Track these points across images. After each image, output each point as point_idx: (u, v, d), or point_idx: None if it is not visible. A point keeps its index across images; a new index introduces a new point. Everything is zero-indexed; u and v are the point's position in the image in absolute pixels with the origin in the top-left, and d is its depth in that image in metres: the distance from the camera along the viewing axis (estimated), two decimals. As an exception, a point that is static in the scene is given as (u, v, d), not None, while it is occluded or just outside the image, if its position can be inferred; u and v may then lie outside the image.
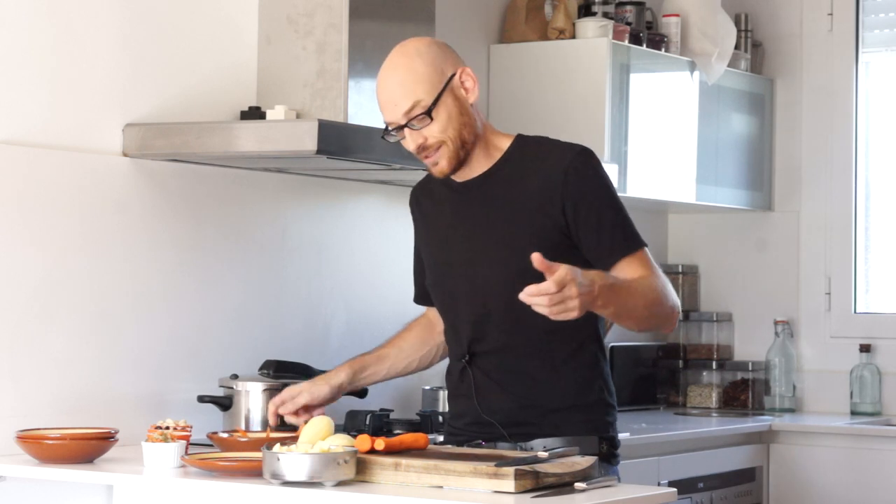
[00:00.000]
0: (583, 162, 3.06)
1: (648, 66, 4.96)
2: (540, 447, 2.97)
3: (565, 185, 3.02)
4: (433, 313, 3.30)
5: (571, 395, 3.08)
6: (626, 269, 3.02)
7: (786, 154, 5.55)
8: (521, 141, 3.14)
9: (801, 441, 4.95)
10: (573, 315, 2.77)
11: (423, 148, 3.03)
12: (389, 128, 3.05)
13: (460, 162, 3.06)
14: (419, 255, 3.30)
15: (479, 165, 3.10)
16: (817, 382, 5.42)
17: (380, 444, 2.90)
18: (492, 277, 3.07)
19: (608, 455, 3.11)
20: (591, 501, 2.72)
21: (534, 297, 2.74)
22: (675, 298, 3.07)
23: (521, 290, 2.84)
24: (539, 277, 2.79)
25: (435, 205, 3.21)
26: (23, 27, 3.46)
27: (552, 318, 2.76)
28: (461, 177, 3.11)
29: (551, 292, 2.73)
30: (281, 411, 3.21)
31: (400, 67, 3.03)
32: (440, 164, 3.05)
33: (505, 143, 3.13)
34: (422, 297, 3.33)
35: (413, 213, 3.29)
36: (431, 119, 3.00)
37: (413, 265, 3.34)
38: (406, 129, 3.02)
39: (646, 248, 3.07)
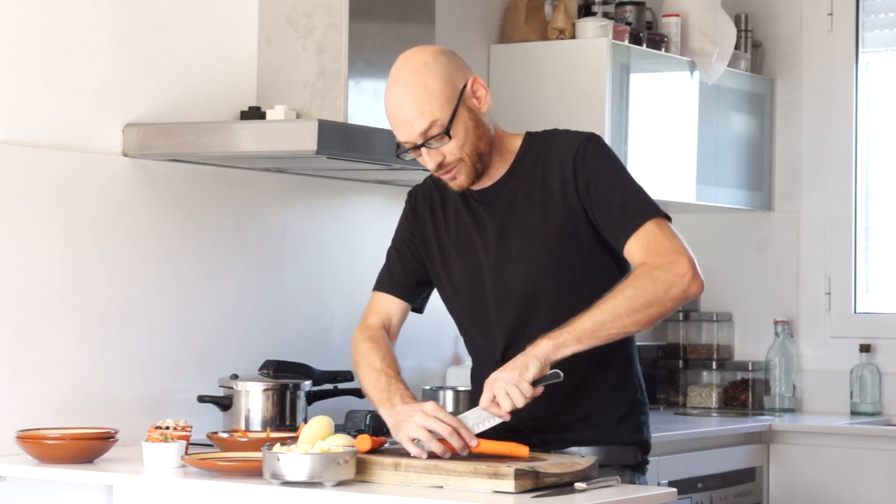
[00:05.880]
0: (590, 145, 2.99)
1: (648, 66, 4.96)
2: (577, 455, 2.93)
3: (575, 170, 2.96)
4: (395, 318, 3.17)
5: (605, 396, 3.04)
6: (633, 253, 2.93)
7: (786, 154, 5.54)
8: (530, 138, 3.06)
9: (801, 441, 4.94)
10: (525, 387, 2.80)
11: (441, 165, 2.94)
12: (405, 147, 2.95)
13: (478, 175, 2.98)
14: (406, 254, 3.17)
15: (495, 171, 3.03)
16: (817, 382, 5.42)
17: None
18: (526, 278, 2.99)
19: (641, 463, 3.10)
20: (591, 501, 2.72)
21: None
22: (677, 272, 2.97)
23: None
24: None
25: (448, 214, 3.11)
26: (23, 27, 3.46)
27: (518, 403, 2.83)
28: (479, 185, 3.03)
29: (487, 411, 2.84)
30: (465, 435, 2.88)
31: (412, 84, 2.90)
32: (459, 179, 2.97)
33: (516, 144, 3.05)
34: (395, 286, 3.17)
35: (412, 216, 3.17)
36: (450, 137, 2.91)
37: (393, 255, 3.20)
38: (423, 149, 2.92)
39: (654, 221, 2.93)
